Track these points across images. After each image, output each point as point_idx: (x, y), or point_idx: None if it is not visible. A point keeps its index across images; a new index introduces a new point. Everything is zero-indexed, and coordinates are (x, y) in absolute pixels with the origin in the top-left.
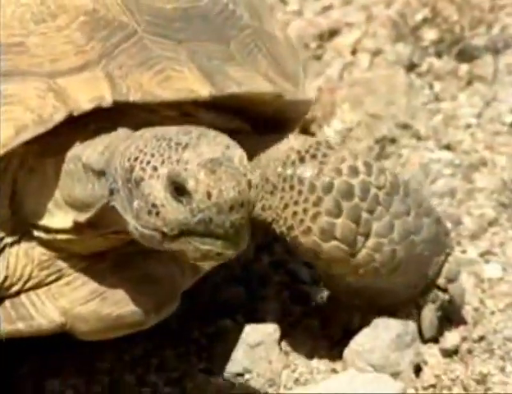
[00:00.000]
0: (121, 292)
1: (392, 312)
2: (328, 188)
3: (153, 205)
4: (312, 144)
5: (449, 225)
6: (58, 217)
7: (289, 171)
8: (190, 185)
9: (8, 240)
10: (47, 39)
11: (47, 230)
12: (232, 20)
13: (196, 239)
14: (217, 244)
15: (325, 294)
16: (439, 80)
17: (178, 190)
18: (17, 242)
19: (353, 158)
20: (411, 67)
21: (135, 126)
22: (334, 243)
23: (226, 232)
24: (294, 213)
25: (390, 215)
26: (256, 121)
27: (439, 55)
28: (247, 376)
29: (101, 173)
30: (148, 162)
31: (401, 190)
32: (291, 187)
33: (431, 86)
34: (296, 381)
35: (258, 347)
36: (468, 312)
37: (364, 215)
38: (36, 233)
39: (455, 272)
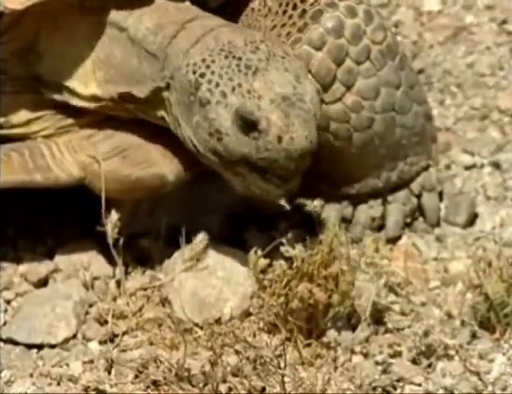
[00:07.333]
0: (142, 153)
1: (356, 202)
2: (316, 17)
3: (217, 131)
4: None
5: None
6: (81, 83)
7: None
8: (262, 125)
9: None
10: None
11: (67, 90)
12: None
13: (253, 172)
14: (273, 180)
15: None
16: None
17: (247, 123)
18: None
19: (356, 1)
20: None
21: None
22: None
23: (288, 174)
24: (278, 36)
25: (378, 78)
26: None
27: None
28: None
29: (153, 55)
30: (217, 85)
31: (398, 58)
32: (284, 12)
33: None
34: None
35: None
36: (406, 45)
37: (349, 62)
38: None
39: (433, 185)
